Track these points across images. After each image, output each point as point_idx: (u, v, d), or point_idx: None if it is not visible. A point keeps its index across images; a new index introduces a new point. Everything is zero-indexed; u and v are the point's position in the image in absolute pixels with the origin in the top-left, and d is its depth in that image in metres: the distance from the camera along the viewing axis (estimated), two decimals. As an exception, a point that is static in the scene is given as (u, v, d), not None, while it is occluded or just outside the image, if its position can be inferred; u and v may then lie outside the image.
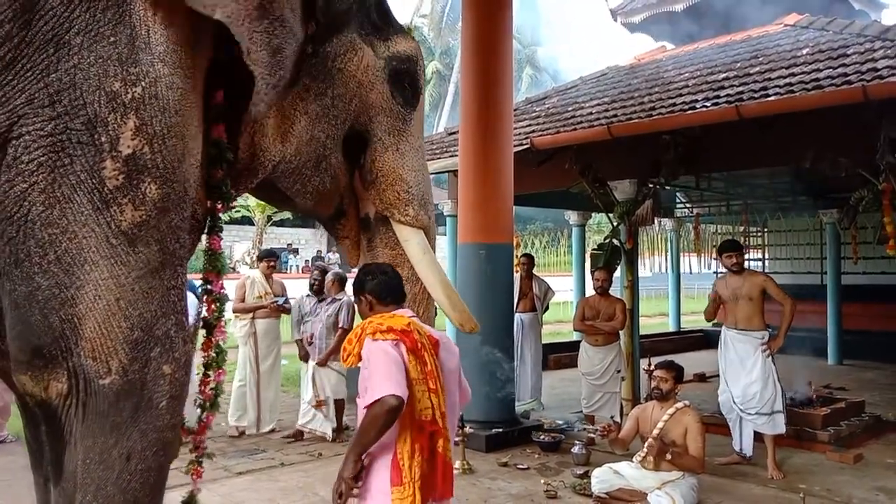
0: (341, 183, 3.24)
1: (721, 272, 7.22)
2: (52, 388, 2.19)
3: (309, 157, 3.00)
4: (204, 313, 2.92)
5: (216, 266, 2.92)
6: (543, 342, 8.07)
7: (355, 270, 3.10)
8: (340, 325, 6.28)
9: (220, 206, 2.81)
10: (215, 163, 2.70)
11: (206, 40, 2.51)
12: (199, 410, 2.93)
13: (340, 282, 6.60)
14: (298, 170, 2.99)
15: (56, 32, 2.12)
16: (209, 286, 2.91)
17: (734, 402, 5.50)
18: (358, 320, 2.98)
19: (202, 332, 2.94)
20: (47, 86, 2.11)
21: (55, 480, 2.32)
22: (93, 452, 2.20)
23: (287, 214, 23.30)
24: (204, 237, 2.87)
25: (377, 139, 3.21)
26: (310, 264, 19.59)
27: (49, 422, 2.27)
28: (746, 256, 8.56)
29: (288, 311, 6.79)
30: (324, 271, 6.81)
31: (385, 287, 2.76)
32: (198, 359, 2.90)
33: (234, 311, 6.27)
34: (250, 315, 6.62)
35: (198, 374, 2.96)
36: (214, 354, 2.95)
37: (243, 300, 6.65)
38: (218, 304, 2.91)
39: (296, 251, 26.30)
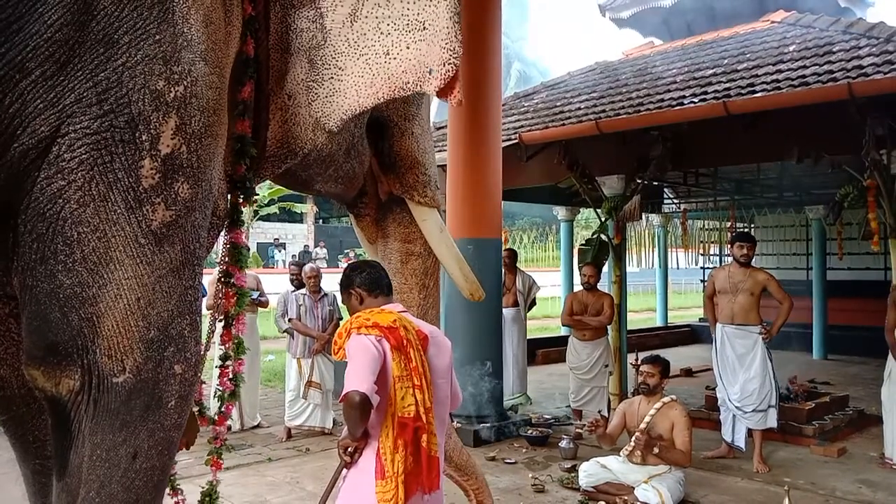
0: (366, 167, 3.36)
1: (710, 267, 7.24)
2: (63, 384, 2.17)
3: (340, 145, 3.06)
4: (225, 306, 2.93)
5: (237, 259, 2.93)
6: (531, 337, 8.10)
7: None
8: (337, 317, 6.38)
9: (242, 201, 2.83)
10: (239, 158, 2.71)
11: (236, 34, 2.53)
12: (217, 401, 2.95)
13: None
14: (331, 157, 3.06)
15: (107, 32, 2.11)
16: (230, 279, 2.92)
17: (729, 400, 5.50)
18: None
19: (221, 325, 2.96)
20: (96, 85, 2.10)
21: (58, 475, 2.30)
22: (100, 449, 2.19)
23: (274, 209, 23.19)
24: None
25: (394, 124, 3.35)
26: (295, 259, 19.43)
27: (57, 416, 2.25)
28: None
29: (264, 305, 6.78)
30: (318, 274, 6.54)
31: (374, 280, 2.77)
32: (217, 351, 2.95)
33: (209, 309, 6.21)
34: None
35: (217, 365, 2.99)
36: (234, 346, 2.98)
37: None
38: (238, 297, 2.92)
39: (283, 246, 26.19)
